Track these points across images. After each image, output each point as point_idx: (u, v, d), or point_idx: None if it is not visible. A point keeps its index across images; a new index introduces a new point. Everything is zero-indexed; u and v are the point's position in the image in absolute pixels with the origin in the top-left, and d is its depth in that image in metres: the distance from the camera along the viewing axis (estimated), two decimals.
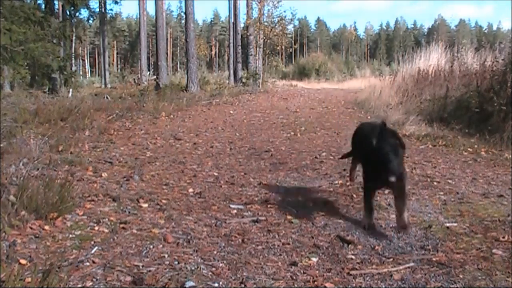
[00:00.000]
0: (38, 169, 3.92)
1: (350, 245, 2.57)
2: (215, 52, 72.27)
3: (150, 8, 33.31)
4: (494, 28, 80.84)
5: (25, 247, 2.41)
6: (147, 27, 27.89)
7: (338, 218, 3.06)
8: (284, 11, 28.54)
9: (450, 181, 4.09)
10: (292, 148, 5.88)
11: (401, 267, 2.27)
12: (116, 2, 30.12)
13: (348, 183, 3.96)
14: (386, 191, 3.68)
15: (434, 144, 6.08)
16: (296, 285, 2.10)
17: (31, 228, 2.65)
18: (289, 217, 3.07)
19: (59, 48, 13.51)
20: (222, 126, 8.06)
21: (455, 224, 2.91)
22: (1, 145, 4.70)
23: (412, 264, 2.31)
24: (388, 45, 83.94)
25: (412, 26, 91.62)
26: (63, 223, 2.79)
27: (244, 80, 21.91)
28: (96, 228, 2.76)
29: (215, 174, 4.40)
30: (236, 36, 23.76)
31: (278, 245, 2.57)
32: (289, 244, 2.59)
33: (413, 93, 9.81)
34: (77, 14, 19.05)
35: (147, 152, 5.45)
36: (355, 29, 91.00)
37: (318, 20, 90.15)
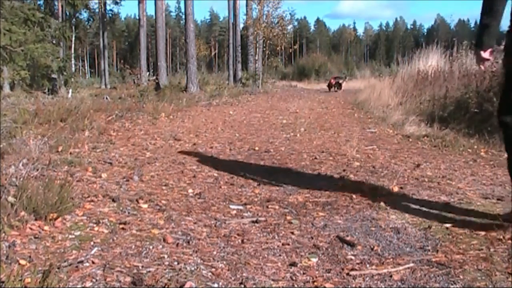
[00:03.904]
0: (37, 170, 3.92)
1: (350, 246, 2.57)
2: (215, 53, 72.28)
3: (150, 8, 33.31)
4: None
5: (25, 247, 2.41)
6: (146, 28, 27.88)
7: (338, 218, 3.06)
8: (283, 12, 28.59)
9: (450, 181, 4.09)
10: (292, 148, 5.88)
11: (400, 268, 2.27)
12: (116, 3, 30.21)
13: (347, 184, 3.96)
14: (385, 191, 3.69)
15: (434, 145, 6.08)
16: (295, 286, 2.10)
17: (30, 228, 2.65)
18: (288, 217, 3.07)
19: (58, 49, 13.53)
20: (221, 126, 8.06)
21: (455, 224, 2.91)
22: (1, 146, 4.70)
23: (412, 264, 2.31)
24: (387, 46, 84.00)
25: (412, 26, 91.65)
26: (62, 223, 2.79)
27: (243, 81, 21.95)
28: (96, 228, 2.75)
29: (215, 174, 4.40)
30: (236, 36, 23.77)
31: (278, 246, 2.57)
32: (288, 244, 2.59)
33: (413, 94, 9.83)
34: (77, 14, 19.07)
35: (146, 152, 5.45)
36: (355, 30, 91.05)
37: (318, 21, 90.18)
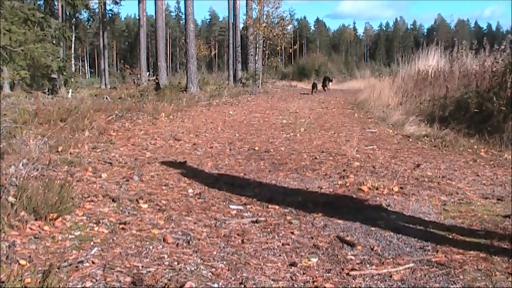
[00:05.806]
0: (37, 170, 3.92)
1: (350, 246, 2.57)
2: (215, 53, 72.23)
3: (150, 8, 33.29)
4: (493, 28, 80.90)
5: (25, 247, 2.41)
6: (146, 28, 27.87)
7: (338, 218, 3.06)
8: (283, 12, 28.58)
9: (450, 181, 4.09)
10: (292, 148, 5.88)
11: (400, 268, 2.27)
12: (116, 3, 30.21)
13: (347, 184, 3.96)
14: (385, 191, 3.69)
15: (434, 145, 6.08)
16: (295, 286, 2.10)
17: (30, 228, 2.65)
18: (288, 217, 3.07)
19: (58, 49, 13.52)
20: (221, 126, 8.05)
21: (455, 224, 2.91)
22: (1, 146, 4.70)
23: (412, 264, 2.31)
24: (387, 46, 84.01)
25: (412, 26, 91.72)
26: (62, 223, 2.79)
27: (243, 81, 21.93)
28: (96, 228, 2.75)
29: (215, 174, 4.40)
30: (236, 36, 23.77)
31: (278, 246, 2.57)
32: (288, 244, 2.59)
33: (413, 94, 9.82)
34: (77, 14, 19.07)
35: (146, 152, 5.45)
36: (355, 30, 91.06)
37: (318, 21, 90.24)
